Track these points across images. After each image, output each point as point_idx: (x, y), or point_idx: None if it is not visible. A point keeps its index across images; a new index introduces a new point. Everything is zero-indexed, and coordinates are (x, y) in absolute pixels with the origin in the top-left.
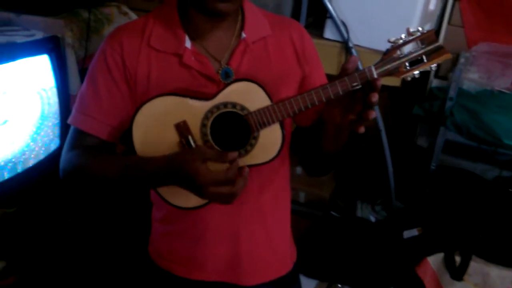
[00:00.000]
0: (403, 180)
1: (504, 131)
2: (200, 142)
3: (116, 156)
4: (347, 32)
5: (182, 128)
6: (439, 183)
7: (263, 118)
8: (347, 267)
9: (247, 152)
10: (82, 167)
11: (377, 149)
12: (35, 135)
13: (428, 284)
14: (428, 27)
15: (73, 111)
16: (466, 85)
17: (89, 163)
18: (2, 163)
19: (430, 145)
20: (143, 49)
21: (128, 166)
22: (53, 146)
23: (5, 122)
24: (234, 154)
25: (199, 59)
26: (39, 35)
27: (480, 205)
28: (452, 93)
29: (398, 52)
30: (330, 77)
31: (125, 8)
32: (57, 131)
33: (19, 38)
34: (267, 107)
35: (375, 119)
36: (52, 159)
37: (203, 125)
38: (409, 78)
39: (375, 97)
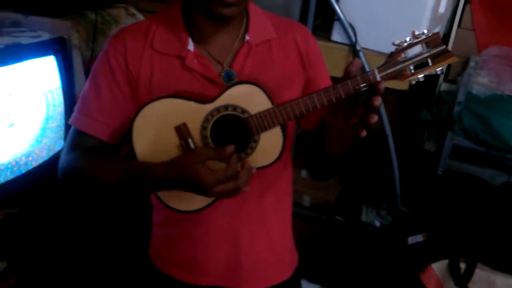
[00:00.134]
0: (410, 185)
1: None
2: (200, 145)
3: (116, 160)
4: (355, 35)
5: (182, 131)
6: (446, 188)
7: (263, 121)
8: (350, 272)
9: (247, 155)
10: (82, 169)
11: (384, 153)
12: (39, 137)
13: None
14: (438, 30)
15: (75, 111)
16: (475, 89)
17: (89, 165)
18: (6, 164)
19: (437, 149)
20: (146, 51)
21: (128, 171)
22: (57, 147)
23: (11, 125)
24: (231, 147)
25: (202, 61)
26: (45, 36)
27: (487, 211)
28: (460, 97)
29: (403, 55)
30: (337, 80)
31: (132, 10)
32: (61, 132)
33: (25, 40)
34: (268, 110)
35: (382, 124)
36: (56, 160)
37: (203, 128)
38: (413, 82)
39: (378, 101)
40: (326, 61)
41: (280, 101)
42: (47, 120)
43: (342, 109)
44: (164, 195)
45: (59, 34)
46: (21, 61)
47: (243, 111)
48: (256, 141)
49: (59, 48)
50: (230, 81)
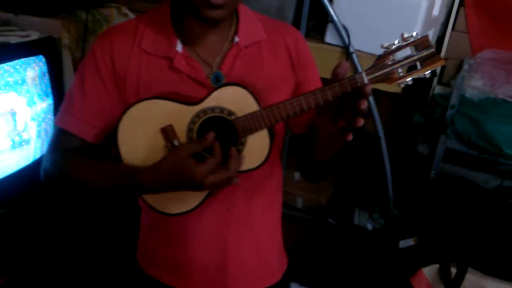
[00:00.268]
0: (403, 188)
1: (505, 141)
2: None
3: (103, 162)
4: (348, 37)
5: (168, 132)
6: (438, 191)
7: (250, 124)
8: (341, 276)
9: None
10: (66, 171)
11: (377, 156)
12: (27, 136)
13: None
14: (431, 32)
15: (60, 110)
16: (469, 93)
17: (74, 167)
18: None
19: (431, 152)
20: (133, 51)
21: (115, 175)
22: (45, 148)
23: None
24: (212, 134)
25: (190, 63)
26: (34, 35)
27: (479, 215)
28: (453, 100)
29: (391, 58)
30: (328, 82)
31: (125, 10)
32: (50, 132)
33: (14, 39)
34: (255, 113)
35: (375, 126)
36: None
37: (190, 130)
38: (402, 85)
39: (364, 104)
40: (319, 63)
41: (269, 103)
42: (35, 119)
43: (329, 112)
44: (151, 199)
45: (50, 34)
46: (9, 61)
47: (230, 113)
48: (242, 144)
49: (48, 47)
50: (218, 83)
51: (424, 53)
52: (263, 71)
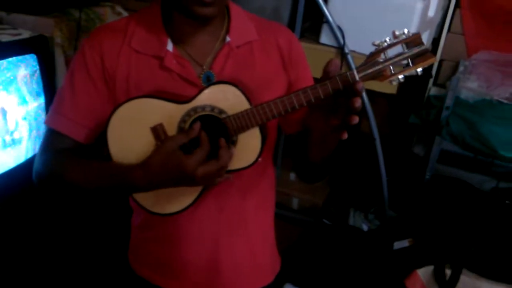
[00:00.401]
0: (398, 189)
1: (500, 143)
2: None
3: (94, 162)
4: (343, 37)
5: (158, 131)
6: (434, 192)
7: (241, 122)
8: (336, 277)
9: None
10: (57, 172)
11: (372, 156)
12: (19, 135)
13: None
14: (427, 34)
15: (50, 111)
16: (464, 94)
17: (66, 168)
18: None
19: (426, 153)
20: (123, 49)
21: (106, 175)
22: (37, 147)
23: None
24: (197, 124)
25: (181, 62)
26: (26, 34)
27: (474, 217)
28: (448, 102)
29: (383, 56)
30: (319, 81)
31: (119, 9)
32: (42, 132)
33: (5, 37)
34: (246, 111)
35: (371, 127)
36: None
37: (180, 129)
38: (394, 83)
39: (357, 102)
40: (314, 63)
41: (260, 102)
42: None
43: (321, 110)
44: (142, 198)
45: (42, 32)
46: (0, 60)
47: (221, 111)
48: (233, 142)
49: (40, 46)
50: (209, 82)
51: (416, 50)
52: (255, 71)
